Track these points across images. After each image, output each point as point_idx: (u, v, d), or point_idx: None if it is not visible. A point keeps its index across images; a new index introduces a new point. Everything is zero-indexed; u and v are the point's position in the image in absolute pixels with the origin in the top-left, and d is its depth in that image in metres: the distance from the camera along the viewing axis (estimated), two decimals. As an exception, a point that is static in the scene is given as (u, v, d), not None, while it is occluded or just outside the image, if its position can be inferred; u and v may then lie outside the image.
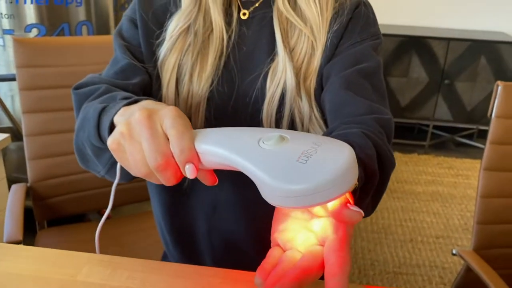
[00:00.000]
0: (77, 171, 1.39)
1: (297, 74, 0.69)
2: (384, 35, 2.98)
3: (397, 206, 2.36)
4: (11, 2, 1.68)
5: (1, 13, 1.70)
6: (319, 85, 0.71)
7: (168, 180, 0.47)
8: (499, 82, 1.05)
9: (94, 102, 0.59)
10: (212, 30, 0.71)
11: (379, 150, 0.55)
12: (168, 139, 0.46)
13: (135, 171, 0.48)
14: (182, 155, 0.46)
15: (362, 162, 0.49)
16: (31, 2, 1.70)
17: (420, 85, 2.84)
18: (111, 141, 0.48)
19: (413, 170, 2.74)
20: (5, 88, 1.86)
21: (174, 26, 0.71)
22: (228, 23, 0.72)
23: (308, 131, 0.70)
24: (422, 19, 3.06)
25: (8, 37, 1.76)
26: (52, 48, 1.32)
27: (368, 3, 0.74)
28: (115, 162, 0.56)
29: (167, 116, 0.46)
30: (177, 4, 0.73)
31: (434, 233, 2.14)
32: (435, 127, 3.01)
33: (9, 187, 1.39)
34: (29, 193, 1.36)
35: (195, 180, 0.50)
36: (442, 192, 2.52)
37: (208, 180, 0.51)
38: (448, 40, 2.73)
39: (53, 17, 1.74)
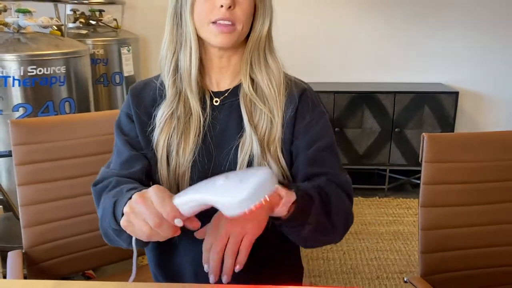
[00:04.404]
0: (68, 235, 1.52)
1: (261, 144, 0.90)
2: (338, 92, 3.28)
3: (363, 246, 2.55)
4: (0, 86, 1.86)
5: (-10, 96, 1.87)
6: (287, 153, 0.93)
7: (168, 232, 0.68)
8: (424, 134, 1.29)
9: (109, 195, 0.81)
10: (191, 114, 0.92)
11: (328, 192, 0.83)
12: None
13: (141, 235, 0.69)
14: (168, 215, 0.67)
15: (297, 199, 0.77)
16: (19, 85, 1.88)
17: (374, 134, 3.13)
18: (122, 221, 0.71)
19: (376, 213, 2.96)
20: (-8, 164, 1.99)
21: (161, 113, 0.91)
22: (203, 108, 0.93)
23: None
24: (370, 76, 3.41)
25: (-4, 117, 1.92)
26: (44, 126, 1.49)
27: (310, 88, 0.98)
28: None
29: (150, 192, 0.69)
30: (162, 96, 0.94)
31: (398, 269, 2.33)
32: (391, 171, 3.26)
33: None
34: (23, 259, 1.47)
35: (182, 235, 0.72)
36: (403, 231, 2.73)
37: (192, 226, 0.72)
38: (394, 93, 3.05)
39: (39, 96, 1.92)
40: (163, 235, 0.69)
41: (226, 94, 0.95)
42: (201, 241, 0.93)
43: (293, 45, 3.34)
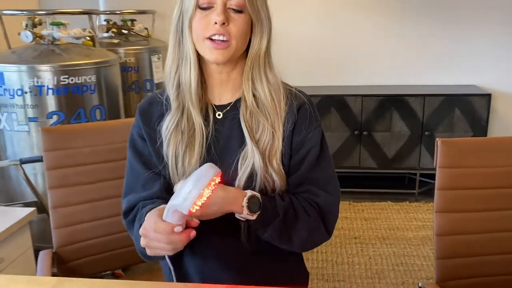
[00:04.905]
0: (97, 235, 1.60)
1: (263, 157, 0.93)
2: (366, 95, 3.26)
3: (389, 252, 2.52)
4: (35, 95, 1.98)
5: (27, 104, 1.99)
6: (286, 166, 0.98)
7: (180, 239, 0.81)
8: (438, 139, 1.28)
9: (136, 223, 0.94)
10: (195, 129, 0.96)
11: (297, 210, 0.94)
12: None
13: (160, 250, 0.83)
14: (165, 230, 0.81)
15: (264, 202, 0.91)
16: (52, 93, 1.99)
17: (403, 138, 3.09)
18: (142, 242, 0.85)
19: (405, 217, 2.92)
20: (28, 168, 2.11)
21: (166, 126, 0.96)
22: (206, 121, 0.97)
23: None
24: (398, 78, 3.37)
25: (32, 124, 2.04)
26: (73, 133, 1.58)
27: (309, 99, 1.00)
28: None
29: (146, 222, 0.85)
30: (168, 110, 0.98)
31: (424, 275, 2.29)
32: (422, 175, 3.21)
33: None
34: (53, 258, 1.56)
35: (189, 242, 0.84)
36: (432, 236, 2.67)
37: (192, 224, 0.86)
38: (424, 96, 3.00)
39: (71, 104, 2.03)
40: (180, 244, 0.83)
41: (228, 108, 0.99)
42: (206, 250, 0.99)
43: (320, 48, 3.35)
